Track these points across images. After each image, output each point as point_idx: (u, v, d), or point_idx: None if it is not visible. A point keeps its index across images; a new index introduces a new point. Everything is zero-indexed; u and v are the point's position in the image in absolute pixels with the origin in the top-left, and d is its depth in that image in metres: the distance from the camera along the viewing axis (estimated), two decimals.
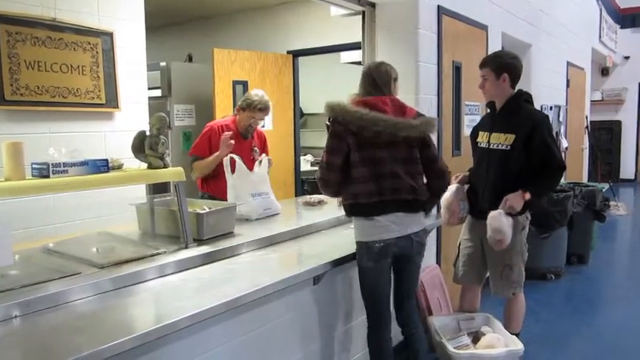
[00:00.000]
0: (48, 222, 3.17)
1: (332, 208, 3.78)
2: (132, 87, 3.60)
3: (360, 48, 4.15)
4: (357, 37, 4.19)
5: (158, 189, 3.23)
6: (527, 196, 3.04)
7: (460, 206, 3.29)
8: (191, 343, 2.01)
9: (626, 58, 13.27)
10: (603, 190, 6.47)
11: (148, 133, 2.53)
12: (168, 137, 2.69)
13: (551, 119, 3.83)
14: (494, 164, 3.20)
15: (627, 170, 13.51)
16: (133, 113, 3.60)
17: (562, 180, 4.04)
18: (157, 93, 5.43)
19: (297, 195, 6.02)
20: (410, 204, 2.60)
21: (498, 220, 3.01)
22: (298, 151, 6.38)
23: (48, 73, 3.16)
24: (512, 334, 3.26)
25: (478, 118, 4.55)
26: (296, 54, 6.15)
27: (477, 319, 3.41)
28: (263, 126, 4.28)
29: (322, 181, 2.64)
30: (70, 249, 2.46)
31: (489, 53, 4.44)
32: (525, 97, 3.26)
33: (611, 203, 8.00)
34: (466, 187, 3.37)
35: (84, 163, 2.21)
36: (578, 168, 8.85)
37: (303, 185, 6.66)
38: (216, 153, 3.50)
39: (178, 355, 1.99)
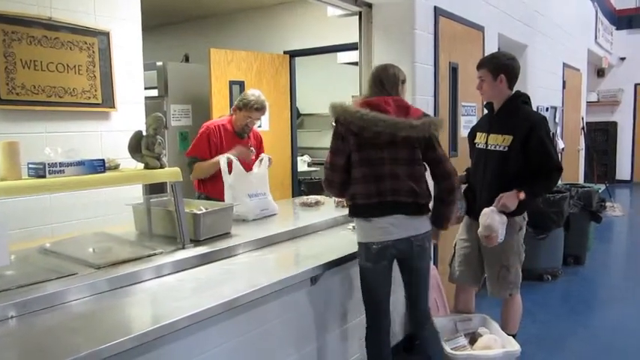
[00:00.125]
0: (44, 222, 3.15)
1: (329, 208, 3.78)
2: (128, 87, 3.59)
3: (356, 48, 4.15)
4: (353, 37, 4.19)
5: (155, 189, 3.22)
6: (522, 196, 3.04)
7: (457, 205, 3.29)
8: (188, 344, 2.00)
9: (622, 59, 13.32)
10: (599, 191, 6.49)
11: (144, 133, 2.53)
12: (164, 137, 2.69)
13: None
14: (492, 165, 3.20)
15: (623, 171, 13.55)
16: (130, 113, 3.59)
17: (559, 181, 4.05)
18: (154, 93, 5.41)
19: (294, 195, 6.01)
20: (409, 206, 2.58)
21: (490, 217, 3.02)
22: (295, 151, 6.38)
23: (44, 72, 3.14)
24: (509, 335, 3.26)
25: (475, 119, 4.56)
26: (293, 54, 6.15)
27: (473, 320, 3.42)
28: (260, 126, 4.28)
29: (327, 181, 2.66)
30: (66, 249, 2.45)
31: (486, 54, 4.46)
32: (523, 99, 3.26)
33: (608, 204, 8.01)
34: (463, 187, 3.38)
35: (80, 163, 2.20)
36: (574, 169, 8.88)
37: (300, 186, 6.66)
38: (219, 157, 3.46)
39: (176, 355, 1.98)
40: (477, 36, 4.80)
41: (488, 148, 3.23)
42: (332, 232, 3.28)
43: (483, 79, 3.24)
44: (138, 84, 3.70)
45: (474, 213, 3.29)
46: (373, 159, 2.56)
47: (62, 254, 2.38)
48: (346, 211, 3.53)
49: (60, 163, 2.13)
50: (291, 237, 3.04)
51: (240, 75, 5.59)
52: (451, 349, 3.09)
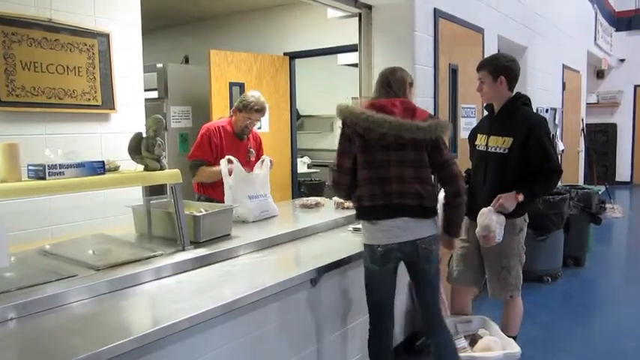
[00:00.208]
0: (44, 224, 3.15)
1: (329, 210, 3.78)
2: (128, 88, 3.59)
3: (356, 50, 4.15)
4: (353, 39, 4.20)
5: (155, 191, 3.22)
6: (521, 197, 3.04)
7: (464, 209, 3.29)
8: (189, 346, 2.00)
9: (622, 60, 13.32)
10: (599, 192, 6.49)
11: (144, 135, 2.53)
12: (164, 139, 2.69)
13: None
14: (492, 168, 3.20)
15: (623, 173, 13.55)
16: (130, 115, 3.59)
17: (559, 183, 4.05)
18: (154, 95, 5.41)
19: (293, 197, 6.01)
20: (415, 209, 2.56)
21: (487, 217, 3.02)
22: (295, 153, 6.37)
23: (44, 74, 3.14)
24: (509, 336, 3.25)
25: (474, 121, 4.57)
26: (293, 56, 6.15)
27: (474, 322, 3.41)
28: (259, 128, 4.27)
29: (334, 183, 2.65)
30: (66, 251, 2.45)
31: (486, 56, 4.46)
32: (523, 100, 3.26)
33: (607, 206, 8.00)
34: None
35: (80, 165, 2.20)
36: (574, 171, 8.88)
37: (300, 187, 6.66)
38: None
39: (176, 357, 1.97)
40: (476, 38, 4.80)
41: (489, 150, 3.22)
42: (332, 233, 3.28)
43: (483, 80, 3.24)
44: (138, 86, 3.70)
45: (473, 214, 3.29)
46: (379, 161, 2.54)
47: (62, 256, 2.38)
48: (346, 213, 3.56)
49: (60, 164, 2.13)
50: (291, 239, 3.03)
51: (240, 76, 5.59)
52: None
